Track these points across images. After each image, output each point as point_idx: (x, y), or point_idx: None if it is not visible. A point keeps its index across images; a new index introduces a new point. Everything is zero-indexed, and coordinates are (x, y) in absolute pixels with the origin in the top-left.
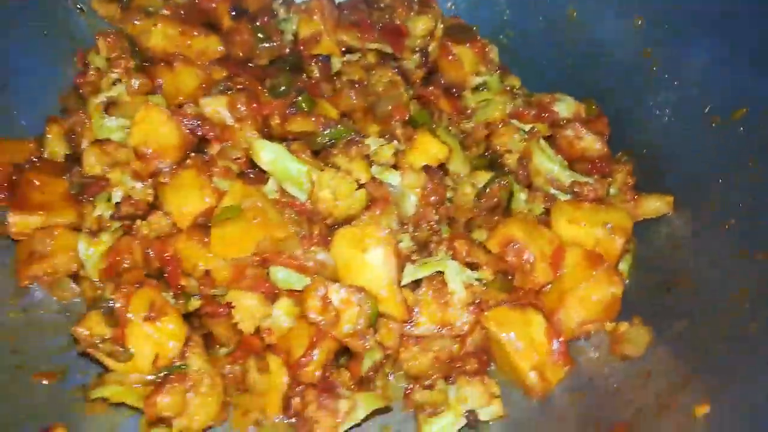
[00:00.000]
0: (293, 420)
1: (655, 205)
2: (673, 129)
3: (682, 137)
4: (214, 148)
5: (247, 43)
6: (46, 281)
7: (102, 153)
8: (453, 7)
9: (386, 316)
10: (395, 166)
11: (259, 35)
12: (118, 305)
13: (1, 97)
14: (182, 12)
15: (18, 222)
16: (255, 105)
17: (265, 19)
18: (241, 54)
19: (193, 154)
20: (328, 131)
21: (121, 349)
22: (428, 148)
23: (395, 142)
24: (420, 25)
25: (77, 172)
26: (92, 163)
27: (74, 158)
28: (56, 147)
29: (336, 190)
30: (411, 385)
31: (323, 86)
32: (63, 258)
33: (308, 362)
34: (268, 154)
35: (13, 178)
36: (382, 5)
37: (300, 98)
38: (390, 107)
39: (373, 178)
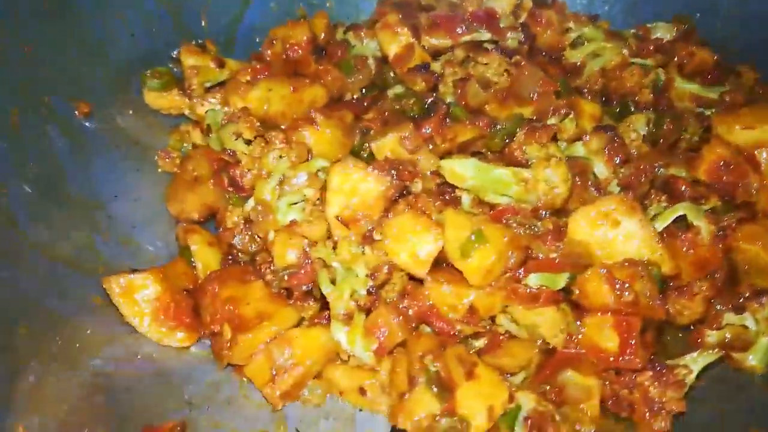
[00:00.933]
0: (624, 414)
1: None
2: (758, 18)
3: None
4: (418, 185)
5: (338, 80)
6: (295, 393)
7: (291, 237)
8: None
9: (663, 275)
10: (576, 138)
11: (346, 69)
12: (443, 374)
13: (117, 228)
14: (264, 72)
15: (249, 341)
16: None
17: (342, 51)
18: (335, 92)
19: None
20: (501, 129)
21: (458, 419)
22: (586, 111)
23: (572, 113)
24: (504, 3)
25: (271, 269)
26: (284, 252)
27: (230, 258)
28: (207, 256)
29: (552, 179)
30: (694, 332)
31: (431, 95)
32: (313, 359)
33: (635, 348)
34: (469, 171)
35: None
36: (423, 3)
37: (454, 109)
38: (538, 85)
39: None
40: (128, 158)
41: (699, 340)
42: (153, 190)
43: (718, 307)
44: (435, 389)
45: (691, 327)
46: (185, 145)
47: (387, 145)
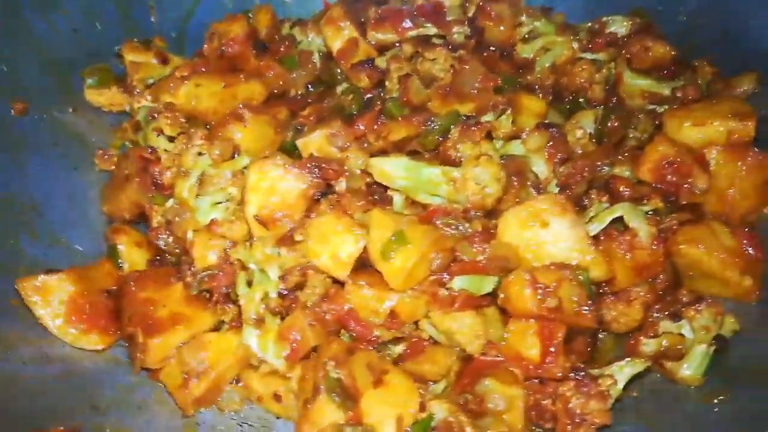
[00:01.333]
0: (548, 425)
1: (744, 86)
2: (725, 11)
3: (736, 17)
4: (341, 185)
5: (280, 76)
6: (210, 399)
7: (212, 238)
8: None
9: (594, 280)
10: (513, 136)
11: (289, 65)
12: (346, 382)
13: (46, 227)
14: (202, 68)
15: (160, 345)
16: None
17: (285, 47)
18: (276, 90)
19: (323, 198)
20: (435, 126)
21: (363, 429)
22: (529, 107)
23: (509, 110)
24: None
25: (191, 270)
26: (204, 253)
27: (158, 259)
28: (134, 257)
29: (482, 178)
30: (630, 341)
31: (377, 93)
32: (226, 364)
33: (556, 357)
34: (398, 170)
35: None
36: None
37: (388, 105)
38: (478, 80)
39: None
40: (66, 157)
41: (635, 349)
42: (89, 189)
43: (655, 314)
44: (336, 398)
45: (629, 335)
46: (126, 143)
47: (314, 142)
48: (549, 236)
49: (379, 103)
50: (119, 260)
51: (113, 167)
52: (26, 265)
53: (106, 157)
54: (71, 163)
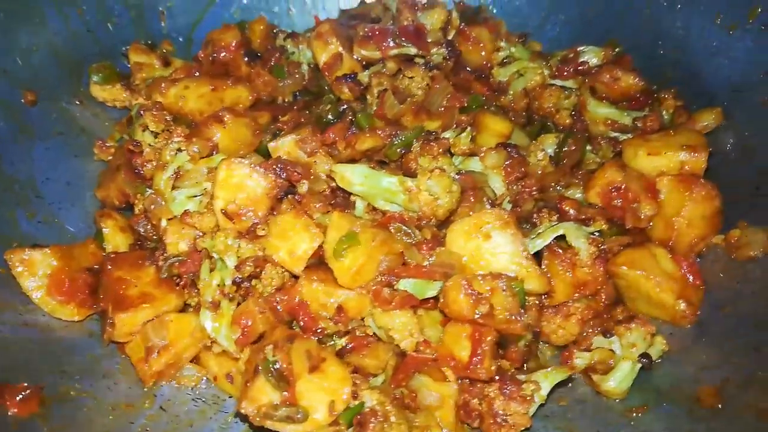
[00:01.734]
0: (475, 424)
1: (707, 120)
2: (697, 47)
3: (706, 52)
4: (303, 187)
5: (269, 83)
6: (170, 374)
7: (184, 228)
8: None
9: (530, 292)
10: (472, 153)
11: (278, 74)
12: (283, 366)
13: (43, 207)
14: (196, 72)
15: (126, 321)
16: (319, 136)
17: (276, 57)
18: (264, 96)
19: (286, 197)
20: (399, 140)
21: (296, 409)
22: (493, 127)
23: (469, 128)
24: (435, 17)
25: (163, 256)
26: (176, 240)
27: (139, 244)
28: (117, 240)
29: (434, 190)
30: (566, 352)
31: (355, 105)
32: (184, 343)
33: (482, 359)
34: (357, 177)
35: (88, 282)
36: (373, 16)
37: (358, 117)
38: (446, 100)
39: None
40: (68, 145)
41: (568, 362)
42: (86, 176)
43: (590, 330)
44: (272, 379)
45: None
46: (123, 136)
47: (284, 146)
48: (490, 247)
49: (351, 114)
50: (103, 242)
51: (110, 158)
52: (19, 239)
53: (104, 147)
54: (73, 151)
